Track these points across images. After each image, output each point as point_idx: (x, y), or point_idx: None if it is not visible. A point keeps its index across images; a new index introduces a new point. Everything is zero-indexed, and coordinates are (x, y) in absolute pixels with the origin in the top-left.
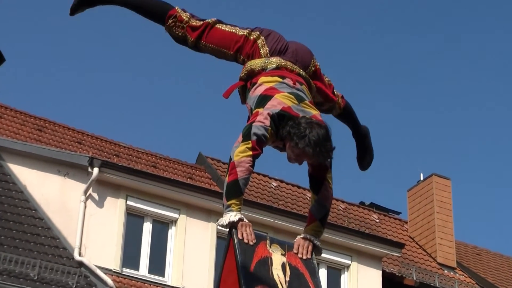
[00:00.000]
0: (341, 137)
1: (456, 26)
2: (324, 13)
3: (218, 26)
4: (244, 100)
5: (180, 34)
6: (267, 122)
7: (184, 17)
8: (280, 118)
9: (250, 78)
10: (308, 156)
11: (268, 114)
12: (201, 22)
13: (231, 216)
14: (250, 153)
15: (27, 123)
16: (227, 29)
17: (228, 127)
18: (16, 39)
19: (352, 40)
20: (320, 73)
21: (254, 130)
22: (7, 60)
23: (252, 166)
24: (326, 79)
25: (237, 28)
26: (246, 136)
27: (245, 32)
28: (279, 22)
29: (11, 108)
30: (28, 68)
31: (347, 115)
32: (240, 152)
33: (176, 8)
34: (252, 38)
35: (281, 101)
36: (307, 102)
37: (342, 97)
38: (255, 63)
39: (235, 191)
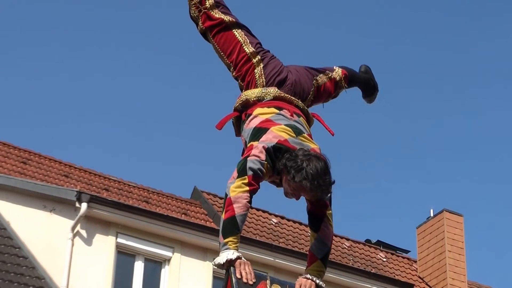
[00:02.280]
0: (342, 171)
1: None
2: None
3: (234, 30)
4: (238, 132)
5: (195, 15)
6: (263, 156)
7: (207, 3)
8: (277, 152)
9: (245, 109)
10: (306, 190)
11: (264, 147)
12: (219, 16)
13: (228, 254)
14: (247, 188)
15: (11, 155)
16: (239, 37)
17: (226, 160)
18: None
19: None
20: (320, 90)
21: (249, 164)
22: None
23: (250, 202)
24: (328, 75)
25: (248, 40)
26: (242, 172)
27: (250, 51)
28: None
29: None
30: (11, 98)
31: (352, 83)
32: (236, 188)
33: None
34: (252, 61)
35: (277, 134)
36: (305, 135)
37: (345, 76)
38: (251, 93)
39: (232, 229)
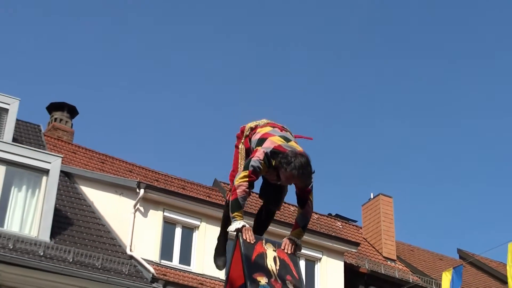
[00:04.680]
0: (319, 171)
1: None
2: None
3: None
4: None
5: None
6: (262, 157)
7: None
8: (273, 154)
9: (250, 132)
10: (294, 177)
11: (263, 151)
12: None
13: (237, 223)
14: (247, 179)
15: (93, 157)
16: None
17: None
18: (85, 98)
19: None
20: None
21: (251, 163)
22: (80, 113)
23: (248, 188)
24: None
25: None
26: (246, 167)
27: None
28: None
29: (83, 147)
30: (94, 118)
31: None
32: (239, 178)
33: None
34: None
35: (273, 141)
36: (292, 142)
37: None
38: (251, 124)
39: (237, 206)
